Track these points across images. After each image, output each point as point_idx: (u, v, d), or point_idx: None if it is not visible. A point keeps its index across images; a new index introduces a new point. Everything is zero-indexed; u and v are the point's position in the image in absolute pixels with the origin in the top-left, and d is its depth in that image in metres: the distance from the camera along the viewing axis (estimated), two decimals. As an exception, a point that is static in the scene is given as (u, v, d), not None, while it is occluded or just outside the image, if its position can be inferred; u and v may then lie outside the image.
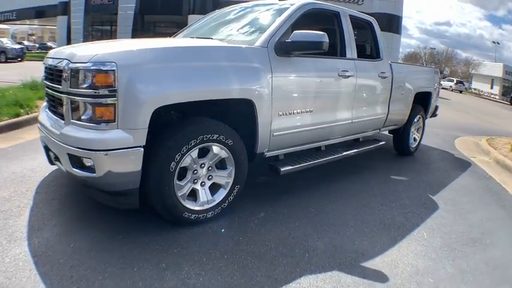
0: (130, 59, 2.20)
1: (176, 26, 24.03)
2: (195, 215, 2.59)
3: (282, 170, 3.08)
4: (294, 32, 2.90)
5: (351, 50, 3.81)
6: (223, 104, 2.62)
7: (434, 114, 6.19)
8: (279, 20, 3.10)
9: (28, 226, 2.47)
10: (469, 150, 6.41)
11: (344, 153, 3.83)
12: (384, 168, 4.61)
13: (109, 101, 2.13)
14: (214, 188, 2.73)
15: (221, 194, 2.73)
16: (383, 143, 4.64)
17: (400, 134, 5.21)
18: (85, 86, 2.14)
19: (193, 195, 2.63)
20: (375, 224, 2.98)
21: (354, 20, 4.02)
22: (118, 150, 2.17)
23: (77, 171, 2.25)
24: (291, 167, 3.15)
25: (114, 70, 2.11)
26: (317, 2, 3.53)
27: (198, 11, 23.91)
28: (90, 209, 2.76)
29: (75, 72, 2.17)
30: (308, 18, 3.35)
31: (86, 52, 2.25)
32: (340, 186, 3.76)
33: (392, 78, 4.46)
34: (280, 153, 3.23)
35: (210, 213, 2.67)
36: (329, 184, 3.78)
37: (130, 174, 2.24)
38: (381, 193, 3.68)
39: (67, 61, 2.26)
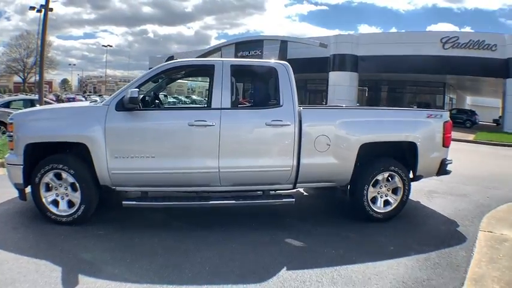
0: (19, 116, 4.15)
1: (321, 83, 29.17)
2: (54, 216, 4.02)
3: (124, 202, 3.99)
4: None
5: (220, 100, 4.05)
6: (74, 144, 4.00)
7: (442, 171, 4.68)
8: (131, 82, 4.18)
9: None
10: (504, 221, 4.59)
11: (211, 202, 4.10)
12: (300, 232, 4.11)
13: (11, 138, 4.09)
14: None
15: (73, 208, 4.03)
16: (289, 200, 4.19)
17: (349, 194, 4.50)
18: (8, 131, 4.20)
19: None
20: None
21: (245, 68, 4.39)
22: (11, 164, 4.05)
23: None
24: (134, 202, 4.01)
25: (12, 122, 4.07)
26: (182, 60, 4.40)
27: (337, 68, 27.96)
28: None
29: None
30: (179, 73, 4.39)
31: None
32: (205, 234, 3.93)
33: (300, 127, 4.11)
34: (133, 190, 4.12)
35: (64, 218, 4.02)
36: (199, 230, 4.05)
37: (18, 179, 4.02)
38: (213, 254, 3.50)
39: None
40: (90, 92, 73.46)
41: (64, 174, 3.99)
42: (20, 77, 60.91)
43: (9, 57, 57.39)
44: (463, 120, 28.33)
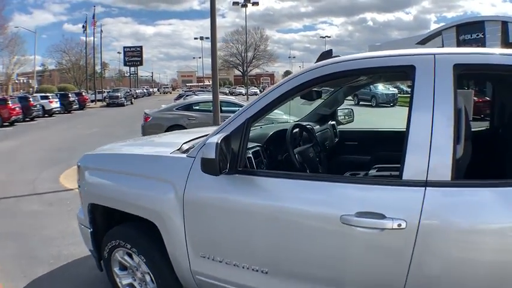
0: (85, 160, 2.81)
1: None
2: (131, 304, 2.67)
3: None
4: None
5: (425, 156, 1.60)
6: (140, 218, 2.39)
7: None
8: (233, 117, 2.08)
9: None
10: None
11: None
12: None
13: (78, 190, 2.85)
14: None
15: (151, 302, 2.56)
16: None
17: None
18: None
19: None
20: None
21: (484, 69, 1.78)
22: (81, 224, 2.88)
23: None
24: None
25: (79, 166, 2.79)
26: (341, 61, 1.92)
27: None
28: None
29: None
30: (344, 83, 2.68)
31: None
32: None
33: None
34: None
35: (141, 311, 2.62)
36: None
37: (89, 244, 2.84)
38: None
39: None
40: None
41: (135, 257, 2.54)
42: (239, 71, 67.56)
43: (226, 52, 63.18)
44: None
